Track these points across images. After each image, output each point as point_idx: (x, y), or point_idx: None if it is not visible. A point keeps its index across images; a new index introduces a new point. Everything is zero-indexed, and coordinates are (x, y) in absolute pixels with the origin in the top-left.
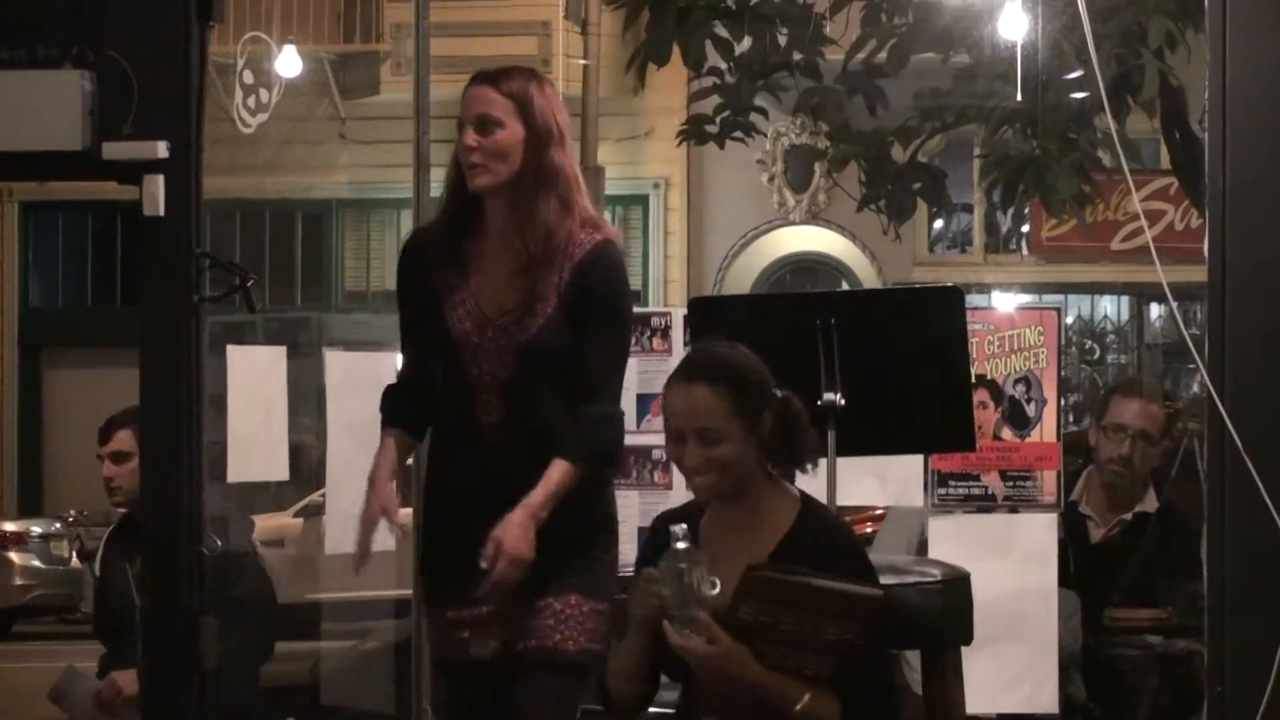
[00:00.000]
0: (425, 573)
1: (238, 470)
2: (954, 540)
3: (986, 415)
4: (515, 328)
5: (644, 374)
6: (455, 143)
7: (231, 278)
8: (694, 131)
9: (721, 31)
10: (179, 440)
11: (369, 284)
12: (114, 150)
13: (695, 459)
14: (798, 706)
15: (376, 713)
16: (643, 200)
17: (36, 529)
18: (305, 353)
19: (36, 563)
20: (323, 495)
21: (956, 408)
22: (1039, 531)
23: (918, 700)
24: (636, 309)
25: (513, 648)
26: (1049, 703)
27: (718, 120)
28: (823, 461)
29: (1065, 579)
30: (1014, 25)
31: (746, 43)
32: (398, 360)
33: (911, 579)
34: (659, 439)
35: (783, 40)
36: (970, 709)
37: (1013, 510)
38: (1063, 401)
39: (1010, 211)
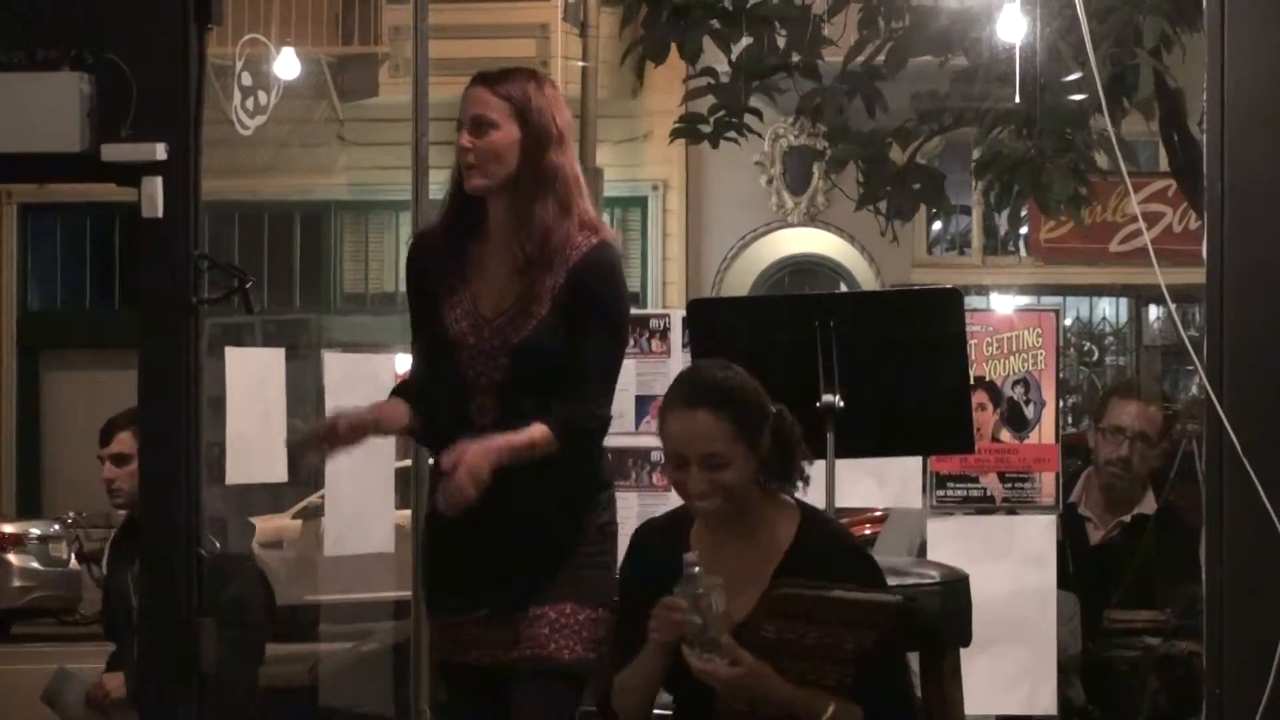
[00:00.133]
0: (425, 577)
1: (236, 472)
2: (953, 542)
3: (985, 417)
4: (510, 329)
5: (642, 376)
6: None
7: (230, 279)
8: (688, 130)
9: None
10: (177, 442)
11: (367, 286)
12: (113, 152)
13: (701, 485)
14: (823, 719)
15: (375, 714)
16: (641, 202)
17: (35, 531)
18: (304, 354)
19: (35, 564)
20: (321, 497)
21: (955, 409)
22: (1037, 533)
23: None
24: (635, 311)
25: (509, 655)
26: (1048, 704)
27: (712, 120)
28: (821, 463)
29: (1064, 581)
30: (1012, 27)
31: (744, 42)
32: (396, 362)
33: (910, 581)
34: (657, 441)
35: (781, 42)
36: (969, 710)
37: (1011, 512)
38: (1061, 403)
39: (1006, 213)
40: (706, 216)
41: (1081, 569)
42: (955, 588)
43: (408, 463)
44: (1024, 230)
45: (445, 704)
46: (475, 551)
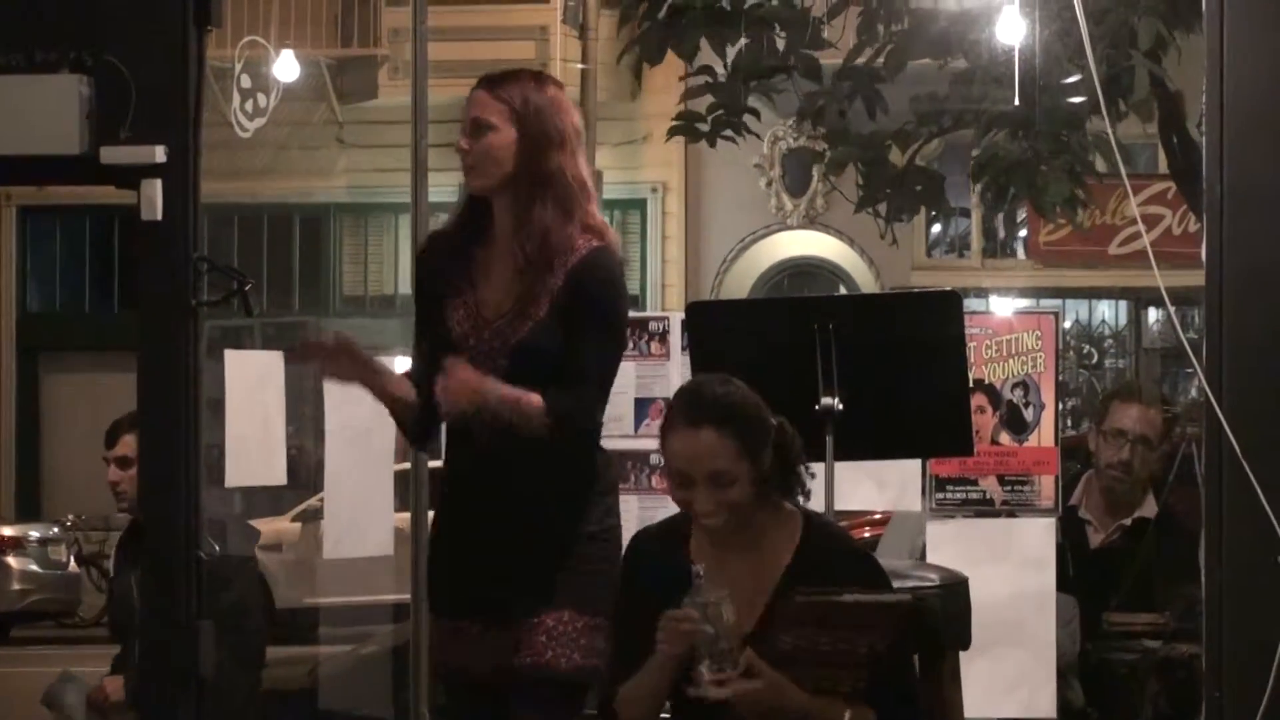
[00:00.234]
0: (430, 579)
1: (235, 474)
2: (952, 545)
3: (984, 420)
4: (509, 330)
5: (641, 379)
6: None
7: (229, 282)
8: (686, 129)
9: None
10: (176, 444)
11: (366, 288)
12: (112, 155)
13: (707, 503)
14: None
15: (374, 717)
16: (640, 204)
17: (34, 533)
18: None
19: (34, 567)
20: (320, 500)
21: (954, 412)
22: (1037, 536)
23: None
24: (634, 314)
25: (506, 663)
26: (1047, 707)
27: (709, 119)
28: (821, 466)
29: (1064, 584)
30: (1011, 30)
31: (741, 43)
32: (395, 364)
33: (910, 584)
34: (656, 444)
35: (780, 44)
36: (968, 713)
37: (1010, 515)
38: (1060, 406)
39: (1002, 214)
40: (706, 219)
41: (1081, 572)
42: (955, 590)
43: (407, 466)
44: (1023, 233)
45: (443, 707)
46: (475, 553)
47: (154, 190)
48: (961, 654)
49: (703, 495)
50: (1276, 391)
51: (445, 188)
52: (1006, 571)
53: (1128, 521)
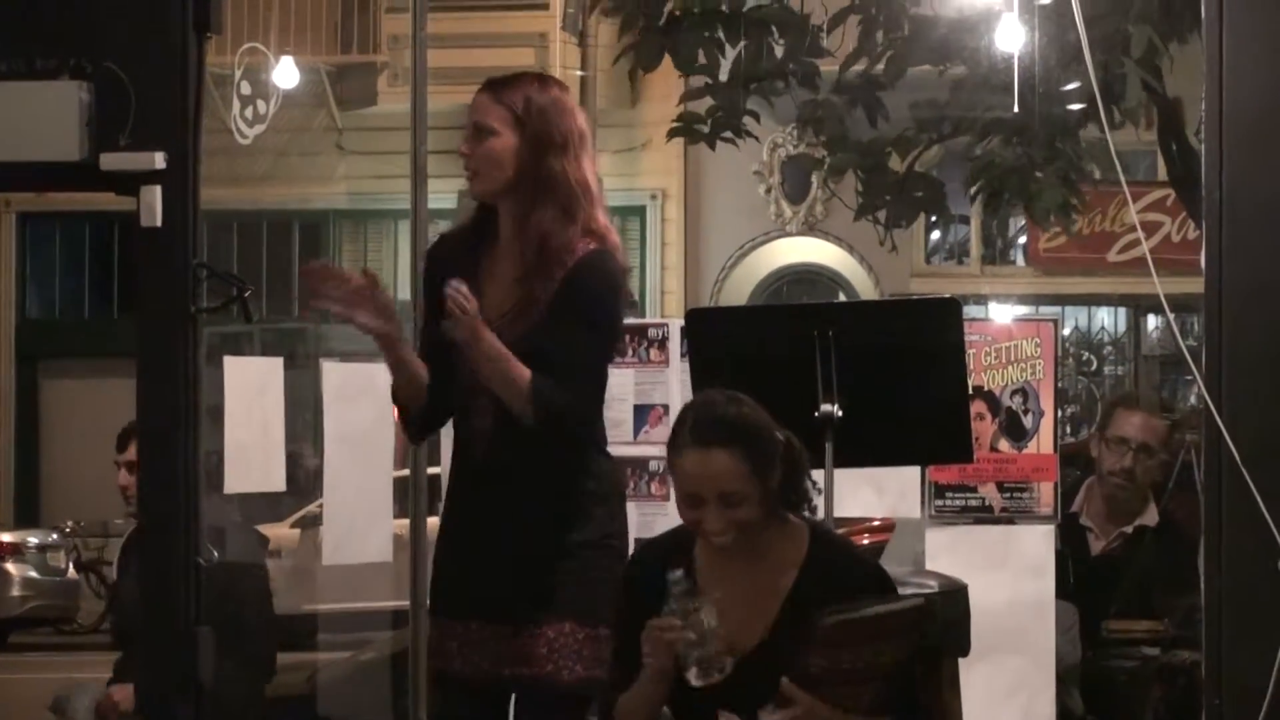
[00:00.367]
0: (433, 581)
1: (234, 481)
2: (951, 551)
3: (984, 426)
4: (507, 332)
5: (640, 385)
6: None
7: (228, 288)
8: (685, 130)
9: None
10: (176, 450)
11: None
12: (111, 161)
13: (718, 522)
14: None
15: None
16: (640, 211)
17: (33, 540)
18: (302, 363)
19: (33, 574)
20: (319, 506)
21: (954, 419)
22: (1036, 543)
23: None
24: (634, 320)
25: (503, 670)
26: (1046, 714)
27: (709, 121)
28: (820, 473)
29: (1065, 591)
30: (1010, 37)
31: (740, 46)
32: None
33: (909, 590)
34: (656, 450)
35: (779, 51)
36: None
37: (1010, 522)
38: (1060, 413)
39: (996, 221)
40: (705, 226)
41: (1082, 579)
42: (954, 597)
43: (406, 472)
44: (1023, 240)
45: (436, 714)
46: (476, 555)
47: (153, 197)
48: (960, 661)
49: (713, 515)
50: (1276, 399)
51: (445, 194)
52: (1005, 578)
53: (1129, 529)
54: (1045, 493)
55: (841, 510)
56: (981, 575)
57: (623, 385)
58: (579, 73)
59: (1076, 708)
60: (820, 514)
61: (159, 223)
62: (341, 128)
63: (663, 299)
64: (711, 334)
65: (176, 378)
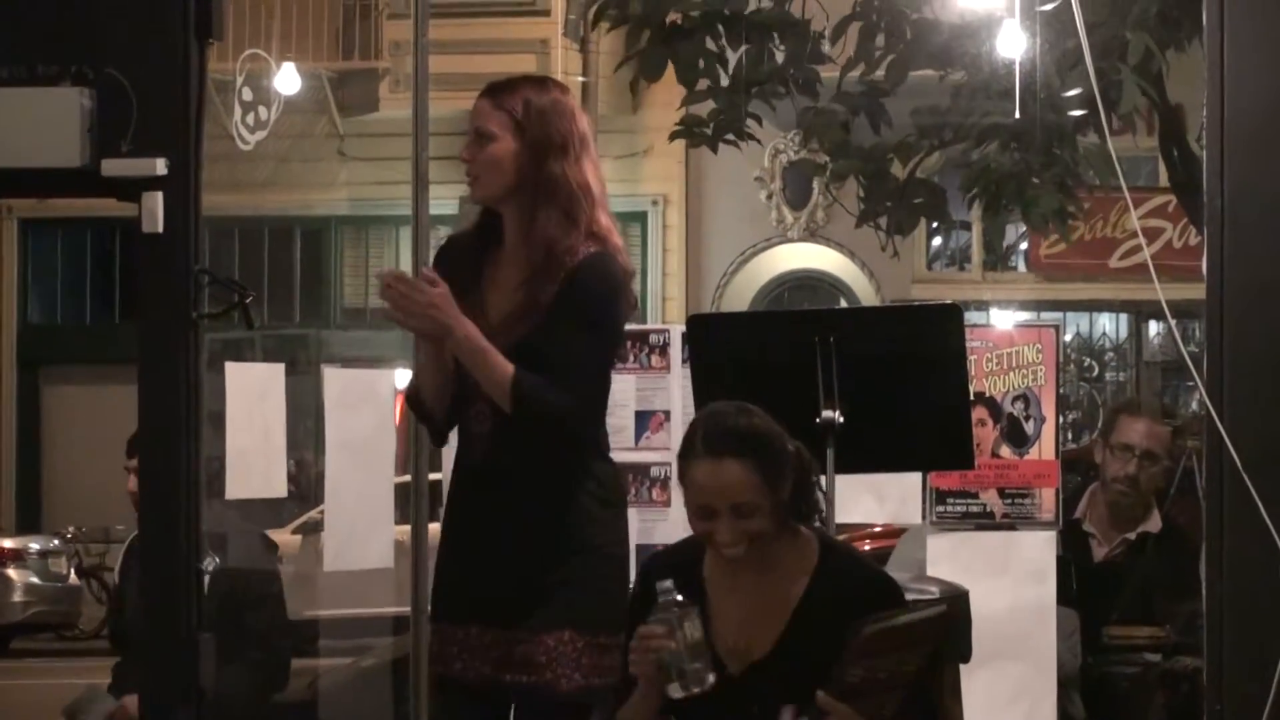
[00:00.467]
0: (434, 585)
1: (236, 487)
2: (952, 558)
3: (985, 433)
4: (508, 335)
5: (642, 391)
6: None
7: (230, 294)
8: (688, 132)
9: (714, 47)
10: (177, 456)
11: (368, 301)
12: (113, 167)
13: (730, 534)
14: None
15: None
16: (641, 217)
17: (35, 546)
18: (304, 369)
19: (35, 579)
20: (321, 512)
21: (955, 425)
22: (1037, 549)
23: None
24: (635, 326)
25: (503, 676)
26: None
27: (711, 124)
28: (821, 479)
29: (1067, 597)
30: (1011, 43)
31: (741, 50)
32: (396, 377)
33: (910, 597)
34: (657, 456)
35: (780, 57)
36: None
37: (1011, 528)
38: (1061, 419)
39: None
40: (706, 232)
41: (1085, 586)
42: (955, 603)
43: (407, 478)
44: (1024, 246)
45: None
46: (476, 559)
47: (155, 203)
48: (962, 667)
49: (725, 526)
50: (1277, 405)
51: (446, 200)
52: (1007, 584)
53: (1132, 535)
54: (1047, 499)
55: (843, 516)
56: (983, 581)
57: (624, 391)
58: (580, 79)
59: (1078, 714)
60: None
61: (160, 229)
62: (343, 134)
63: (664, 305)
64: (713, 340)
65: (178, 384)
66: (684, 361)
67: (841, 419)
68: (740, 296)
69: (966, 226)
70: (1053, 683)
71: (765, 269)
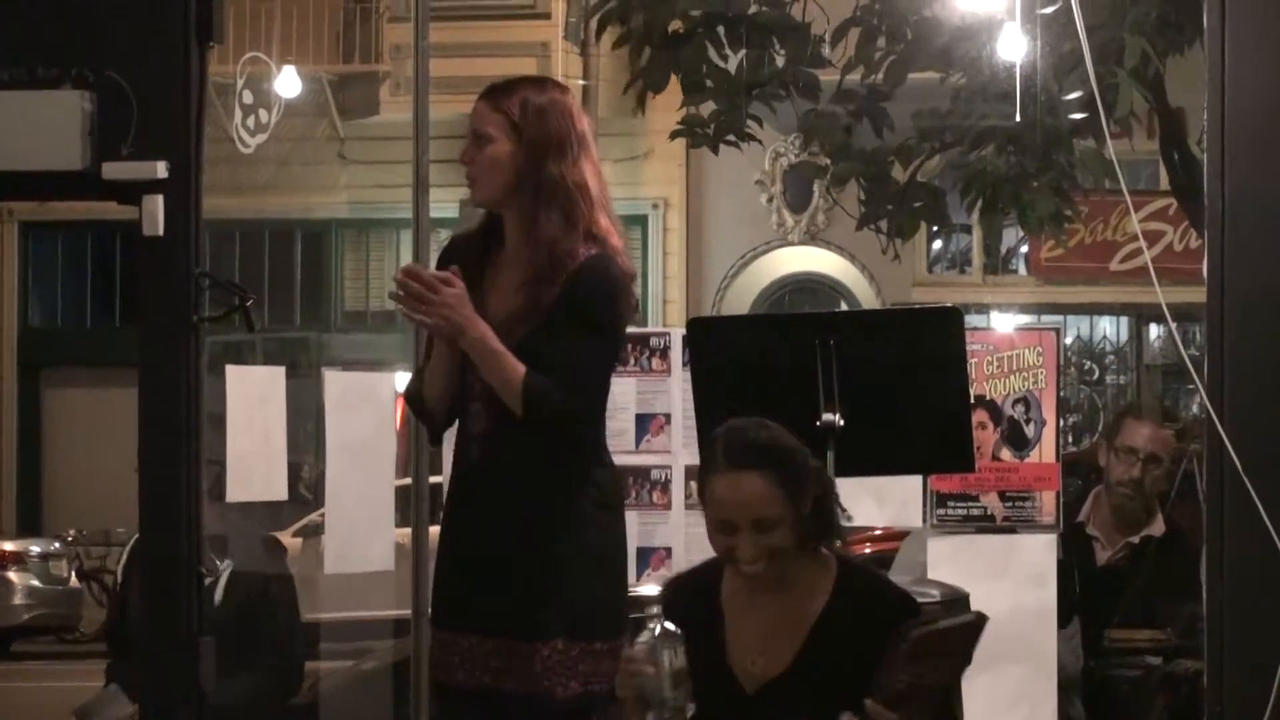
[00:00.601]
0: (434, 591)
1: (236, 490)
2: (953, 561)
3: (985, 436)
4: (509, 337)
5: (642, 394)
6: None
7: (230, 297)
8: (688, 131)
9: (715, 57)
10: (177, 460)
11: (368, 304)
12: (114, 170)
13: (751, 549)
14: None
15: None
16: (641, 220)
17: (35, 548)
18: (304, 372)
19: (35, 582)
20: (322, 515)
21: (955, 428)
22: (1038, 552)
23: None
24: (636, 329)
25: (500, 684)
26: None
27: (712, 125)
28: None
29: (1069, 600)
30: (1011, 46)
31: (741, 54)
32: (396, 380)
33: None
34: (657, 459)
35: (780, 60)
36: None
37: (1011, 531)
38: (1062, 422)
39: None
40: (707, 235)
41: (1088, 589)
42: (956, 607)
43: (408, 481)
44: (1024, 249)
45: None
46: (473, 565)
47: (155, 206)
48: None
49: (746, 541)
50: (1278, 408)
51: (447, 203)
52: (1007, 588)
53: (1135, 539)
54: (1047, 502)
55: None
56: (983, 584)
57: (625, 394)
58: (581, 82)
59: (1079, 717)
60: None
61: (161, 232)
62: (344, 137)
63: (665, 308)
64: (713, 343)
65: (178, 387)
66: (684, 365)
67: (841, 422)
68: (741, 299)
69: (967, 230)
70: (1053, 686)
71: (766, 272)
